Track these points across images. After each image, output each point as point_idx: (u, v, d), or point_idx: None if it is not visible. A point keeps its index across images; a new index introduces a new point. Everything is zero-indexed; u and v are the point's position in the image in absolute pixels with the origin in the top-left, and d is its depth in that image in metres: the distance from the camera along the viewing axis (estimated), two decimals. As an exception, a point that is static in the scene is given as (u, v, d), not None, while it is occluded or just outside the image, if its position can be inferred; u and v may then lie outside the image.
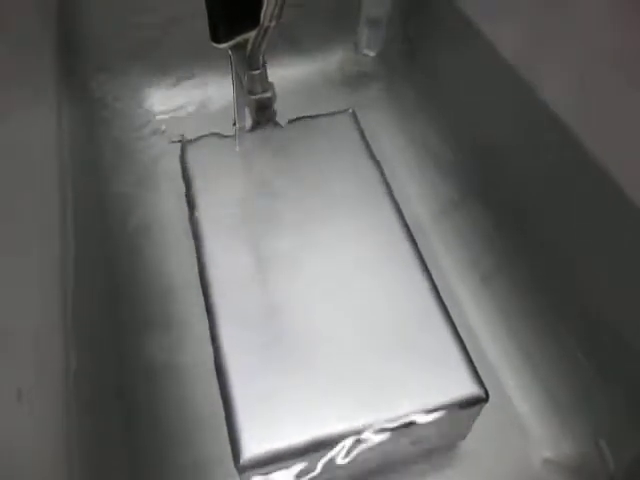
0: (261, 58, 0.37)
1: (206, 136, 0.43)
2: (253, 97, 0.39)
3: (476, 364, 0.33)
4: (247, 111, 0.40)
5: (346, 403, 0.31)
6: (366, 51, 0.55)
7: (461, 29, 0.43)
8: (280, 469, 0.30)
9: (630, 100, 0.30)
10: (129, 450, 0.34)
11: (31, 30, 0.40)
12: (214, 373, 0.32)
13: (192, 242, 0.38)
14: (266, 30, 0.33)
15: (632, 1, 0.29)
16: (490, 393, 0.32)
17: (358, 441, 0.31)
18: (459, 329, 0.34)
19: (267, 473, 0.30)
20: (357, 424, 0.30)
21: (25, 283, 0.27)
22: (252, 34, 0.34)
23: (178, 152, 0.42)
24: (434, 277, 0.36)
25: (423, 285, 0.35)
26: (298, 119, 0.44)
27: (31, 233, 0.30)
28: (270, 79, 0.39)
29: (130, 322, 0.40)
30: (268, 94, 0.40)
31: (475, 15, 0.42)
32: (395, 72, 0.54)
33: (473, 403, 0.32)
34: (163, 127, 0.52)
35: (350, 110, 0.45)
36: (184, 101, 0.53)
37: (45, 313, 0.28)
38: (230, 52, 0.35)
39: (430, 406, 0.31)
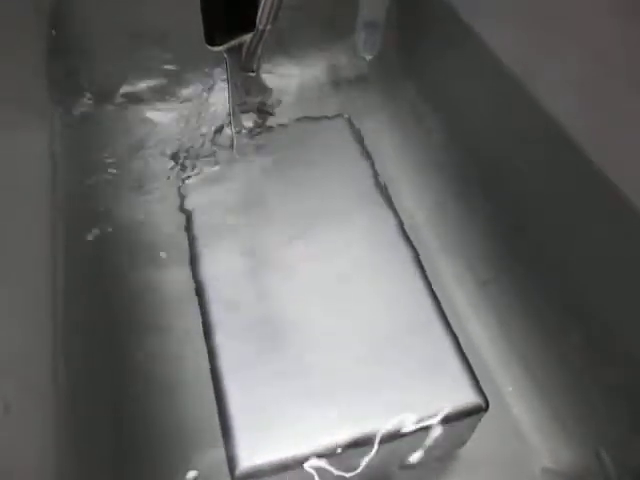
0: (257, 62, 0.37)
1: (201, 143, 0.42)
2: (249, 101, 0.39)
3: (475, 372, 0.32)
4: (243, 115, 0.40)
5: (343, 413, 0.30)
6: (363, 55, 0.55)
7: (458, 33, 0.43)
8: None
9: (630, 104, 0.30)
10: (121, 462, 0.34)
11: (23, 40, 0.40)
12: (210, 384, 0.32)
13: (188, 251, 0.38)
14: (262, 33, 0.33)
15: (632, 3, 0.29)
16: (490, 401, 0.31)
17: (356, 451, 0.30)
18: (458, 336, 0.33)
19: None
20: (355, 434, 0.30)
21: (13, 294, 0.26)
22: (248, 37, 0.34)
23: (175, 160, 0.42)
24: (432, 283, 0.36)
25: (421, 292, 0.35)
26: (294, 123, 0.44)
27: (20, 244, 0.29)
28: (267, 83, 0.39)
29: (124, 334, 0.40)
30: (264, 98, 0.39)
31: (472, 19, 0.41)
32: (392, 75, 0.54)
33: (473, 412, 0.31)
34: (160, 136, 0.51)
35: (346, 115, 0.45)
36: (181, 107, 0.53)
37: (33, 325, 0.27)
38: (225, 55, 0.35)
39: (429, 415, 0.30)
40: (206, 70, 0.51)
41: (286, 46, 0.53)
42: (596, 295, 0.34)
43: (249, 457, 0.29)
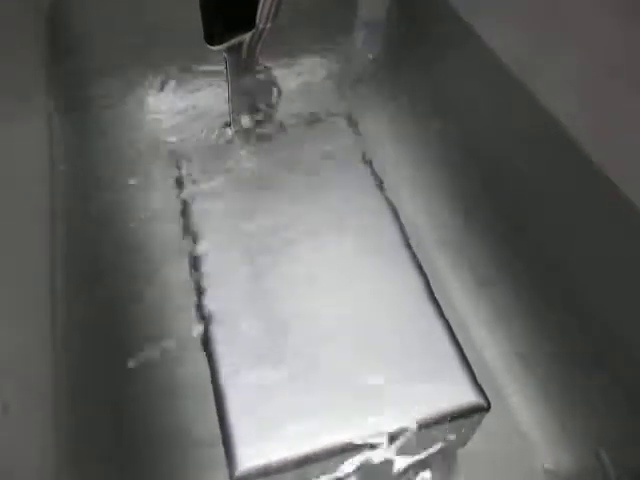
0: (256, 61, 0.37)
1: (200, 143, 0.42)
2: (249, 101, 0.39)
3: (476, 372, 0.32)
4: (242, 115, 0.40)
5: (344, 414, 0.30)
6: (363, 54, 0.55)
7: (458, 32, 0.43)
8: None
9: (630, 104, 0.30)
10: (121, 462, 0.34)
11: (22, 40, 0.40)
12: (210, 384, 0.32)
13: (187, 253, 0.37)
14: (261, 32, 0.33)
15: (632, 3, 0.29)
16: (491, 402, 0.31)
17: (357, 452, 0.30)
18: (458, 337, 0.33)
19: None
20: (356, 435, 0.30)
21: (13, 294, 0.26)
22: (247, 36, 0.34)
23: (174, 160, 0.42)
24: (432, 283, 0.36)
25: (422, 293, 0.35)
26: (294, 123, 0.44)
27: (19, 243, 0.29)
28: (266, 83, 0.39)
29: (124, 334, 0.40)
30: (264, 98, 0.39)
31: (472, 18, 0.41)
32: (392, 75, 0.54)
33: (474, 412, 0.31)
34: (160, 136, 0.51)
35: (347, 114, 0.45)
36: (180, 107, 0.53)
37: (33, 325, 0.27)
38: (225, 54, 0.35)
39: (431, 415, 0.30)
40: (206, 69, 0.51)
41: (286, 45, 0.53)
42: (596, 295, 0.34)
43: (248, 458, 0.29)
